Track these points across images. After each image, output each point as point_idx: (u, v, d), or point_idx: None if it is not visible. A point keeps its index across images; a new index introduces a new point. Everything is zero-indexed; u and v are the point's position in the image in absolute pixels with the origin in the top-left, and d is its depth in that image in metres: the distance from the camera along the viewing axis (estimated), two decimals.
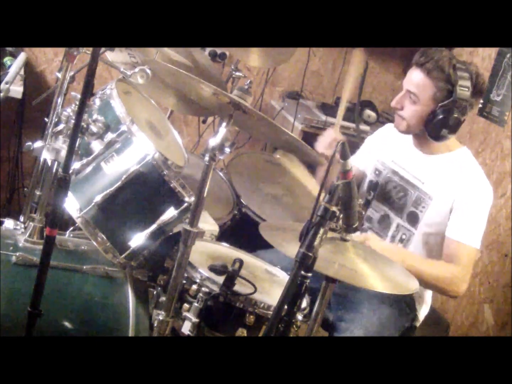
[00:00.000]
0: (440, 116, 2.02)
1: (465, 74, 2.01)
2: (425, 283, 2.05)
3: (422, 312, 2.28)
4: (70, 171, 1.41)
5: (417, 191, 2.17)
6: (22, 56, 2.22)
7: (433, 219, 2.13)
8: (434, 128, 2.06)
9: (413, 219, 2.17)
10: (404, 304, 2.20)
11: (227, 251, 2.01)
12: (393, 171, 2.24)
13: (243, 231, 2.45)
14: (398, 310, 2.17)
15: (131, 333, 1.74)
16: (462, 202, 2.07)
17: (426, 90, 2.04)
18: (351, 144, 1.50)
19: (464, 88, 2.01)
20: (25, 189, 2.91)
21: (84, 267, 1.77)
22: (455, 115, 2.02)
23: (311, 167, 3.09)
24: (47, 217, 1.79)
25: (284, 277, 1.98)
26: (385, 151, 2.29)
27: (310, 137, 3.35)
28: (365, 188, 2.33)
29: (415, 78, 2.06)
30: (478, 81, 2.04)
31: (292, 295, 1.37)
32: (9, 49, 2.70)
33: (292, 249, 1.39)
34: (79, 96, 1.41)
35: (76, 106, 1.74)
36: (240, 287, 1.69)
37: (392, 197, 2.23)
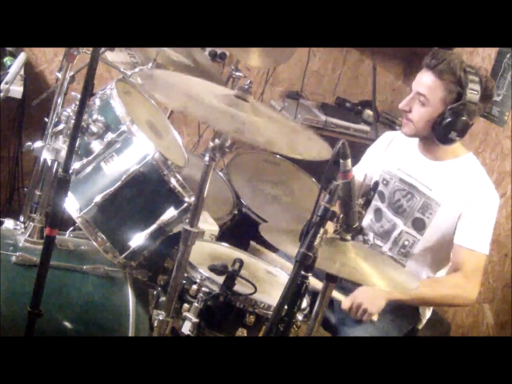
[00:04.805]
0: (449, 119, 2.00)
1: (475, 78, 2.00)
2: (435, 305, 2.02)
3: (426, 316, 2.28)
4: (70, 171, 1.41)
5: (423, 197, 2.15)
6: (22, 56, 2.22)
7: (441, 225, 2.12)
8: (442, 131, 2.03)
9: (420, 225, 2.16)
10: (408, 307, 2.19)
11: (227, 251, 2.01)
12: (400, 179, 2.22)
13: (243, 231, 2.44)
14: (401, 314, 2.17)
15: (131, 333, 1.74)
16: (471, 209, 2.07)
17: (436, 92, 2.02)
18: (351, 144, 1.49)
19: (473, 92, 1.99)
20: (25, 189, 2.91)
21: (84, 267, 1.77)
22: (464, 118, 2.00)
23: (311, 167, 3.10)
24: (47, 217, 1.79)
25: (284, 277, 1.98)
26: (390, 160, 2.26)
27: None
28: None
29: (426, 80, 2.04)
30: (487, 85, 2.02)
31: (292, 295, 1.36)
32: (9, 49, 2.70)
33: (291, 250, 1.39)
34: (79, 96, 1.41)
35: (76, 106, 1.74)
36: (240, 287, 1.69)
37: (399, 205, 2.22)
